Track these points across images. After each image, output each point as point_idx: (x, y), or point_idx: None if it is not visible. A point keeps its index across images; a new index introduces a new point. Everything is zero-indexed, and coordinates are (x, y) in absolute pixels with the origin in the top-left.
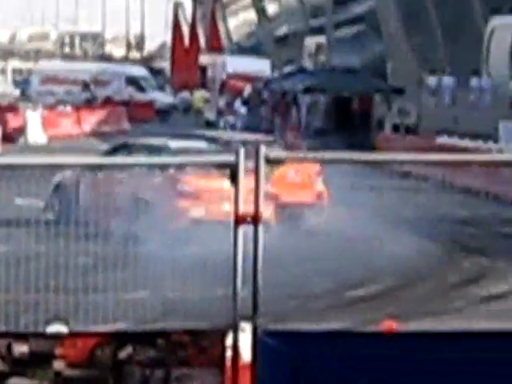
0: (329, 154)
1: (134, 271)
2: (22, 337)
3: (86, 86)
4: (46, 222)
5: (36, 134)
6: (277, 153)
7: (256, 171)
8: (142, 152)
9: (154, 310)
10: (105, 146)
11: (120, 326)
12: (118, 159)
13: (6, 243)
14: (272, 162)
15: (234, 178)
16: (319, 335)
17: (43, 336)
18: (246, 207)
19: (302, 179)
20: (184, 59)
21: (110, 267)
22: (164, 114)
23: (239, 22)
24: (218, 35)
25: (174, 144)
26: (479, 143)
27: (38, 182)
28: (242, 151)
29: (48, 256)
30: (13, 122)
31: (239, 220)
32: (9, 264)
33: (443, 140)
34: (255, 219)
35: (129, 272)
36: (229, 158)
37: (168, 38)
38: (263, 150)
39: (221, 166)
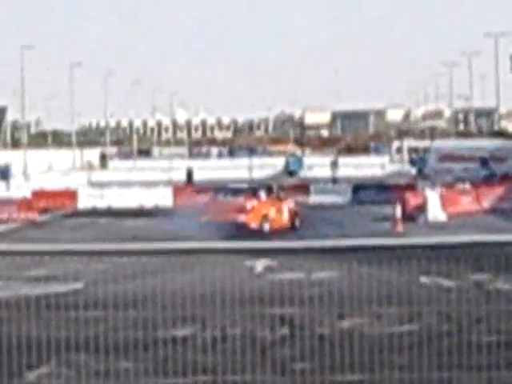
0: None
1: None
2: None
3: (484, 162)
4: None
5: (436, 212)
6: None
7: None
8: None
9: None
10: (505, 224)
11: None
12: None
13: (412, 323)
14: None
15: None
16: None
17: None
18: None
19: None
20: None
21: None
22: None
23: None
24: None
25: None
26: None
27: (439, 260)
28: None
29: (459, 334)
30: (412, 200)
31: None
32: (421, 342)
33: None
34: None
35: None
36: None
37: None
38: None
39: None
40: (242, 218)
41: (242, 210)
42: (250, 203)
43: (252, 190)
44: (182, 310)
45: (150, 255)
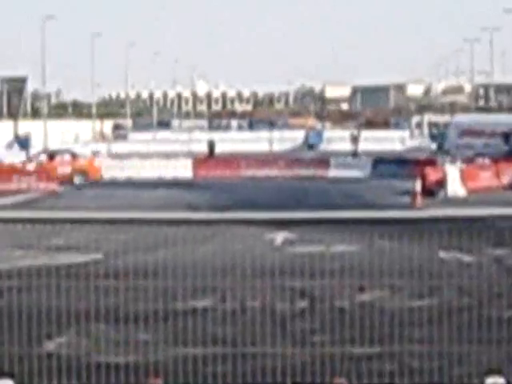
0: None
1: None
2: None
3: (506, 138)
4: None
5: (455, 187)
6: None
7: None
8: None
9: None
10: None
11: None
12: None
13: (431, 297)
14: None
15: None
16: None
17: None
18: None
19: None
20: None
21: None
22: None
23: None
24: None
25: None
26: None
27: (460, 234)
28: None
29: (478, 308)
30: (432, 175)
31: None
32: (441, 316)
33: None
34: None
35: None
36: None
37: None
38: None
39: None
40: None
41: None
42: None
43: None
44: (202, 281)
45: (170, 225)
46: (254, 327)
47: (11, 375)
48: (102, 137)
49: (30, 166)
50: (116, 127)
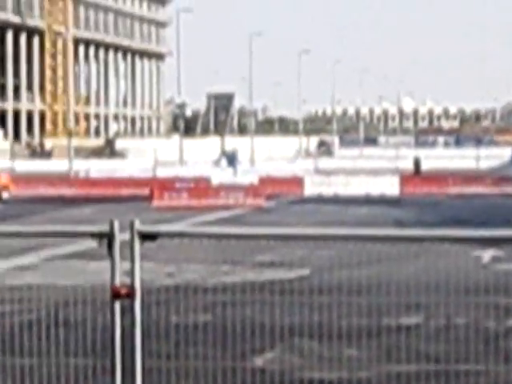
0: None
1: None
2: None
3: None
4: None
5: None
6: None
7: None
8: None
9: None
10: None
11: None
12: None
13: None
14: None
15: None
16: None
17: None
18: None
19: None
20: None
21: None
22: None
23: None
24: None
25: None
26: None
27: None
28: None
29: None
30: None
31: None
32: None
33: None
34: None
35: None
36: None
37: None
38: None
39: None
40: None
41: None
42: None
43: None
44: (406, 298)
45: (376, 241)
46: (465, 344)
47: None
48: (308, 153)
49: None
50: (321, 143)
